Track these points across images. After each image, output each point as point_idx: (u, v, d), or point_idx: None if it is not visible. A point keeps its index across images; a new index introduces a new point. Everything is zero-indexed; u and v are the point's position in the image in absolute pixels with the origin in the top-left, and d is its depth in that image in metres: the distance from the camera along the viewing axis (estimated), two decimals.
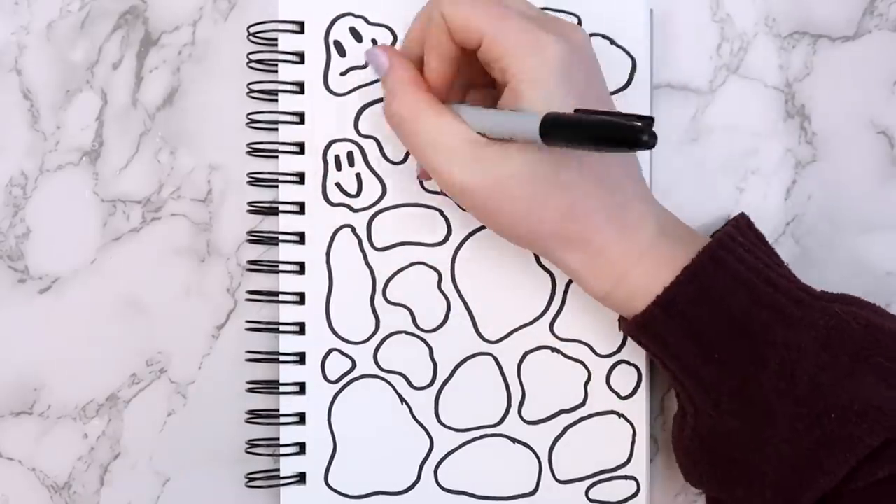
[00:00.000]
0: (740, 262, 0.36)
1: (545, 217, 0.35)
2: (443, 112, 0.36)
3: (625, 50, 0.43)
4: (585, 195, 0.35)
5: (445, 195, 0.43)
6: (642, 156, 0.42)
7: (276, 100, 0.43)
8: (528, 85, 0.34)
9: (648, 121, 0.29)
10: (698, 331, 0.36)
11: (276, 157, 0.43)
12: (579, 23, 0.42)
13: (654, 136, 0.28)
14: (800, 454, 0.34)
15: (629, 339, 0.40)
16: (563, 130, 0.31)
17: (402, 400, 0.43)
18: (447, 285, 0.43)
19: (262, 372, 0.43)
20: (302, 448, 0.43)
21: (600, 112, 0.31)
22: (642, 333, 0.37)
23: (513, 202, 0.35)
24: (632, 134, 0.28)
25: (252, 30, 0.43)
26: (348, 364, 0.43)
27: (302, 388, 0.43)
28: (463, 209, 0.42)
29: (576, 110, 0.32)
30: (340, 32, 0.43)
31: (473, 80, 0.39)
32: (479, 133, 0.35)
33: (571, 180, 0.35)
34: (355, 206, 0.43)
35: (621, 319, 0.40)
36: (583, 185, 0.35)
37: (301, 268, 0.43)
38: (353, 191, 0.43)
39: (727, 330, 0.35)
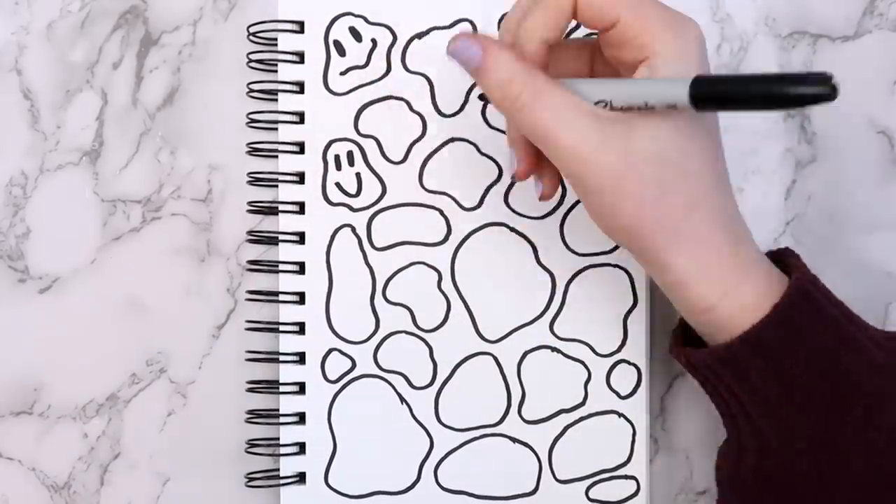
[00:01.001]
0: (828, 299, 0.35)
1: (672, 206, 0.33)
2: (559, 85, 0.33)
3: None
4: (709, 191, 0.34)
5: (448, 195, 0.43)
6: None
7: (276, 100, 0.43)
8: (673, 60, 0.32)
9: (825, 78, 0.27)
10: (783, 369, 0.34)
11: (276, 156, 0.43)
12: (579, 23, 0.42)
13: (835, 88, 0.27)
14: (872, 501, 0.34)
15: (692, 371, 0.38)
16: (721, 87, 0.30)
17: (402, 400, 0.43)
18: (447, 285, 0.43)
19: (262, 372, 0.43)
20: (302, 448, 0.43)
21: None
22: (723, 366, 0.35)
23: (642, 184, 0.33)
24: (808, 82, 0.27)
25: (252, 30, 0.43)
26: (348, 364, 0.43)
27: (302, 388, 0.43)
28: (578, 200, 0.39)
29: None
30: (340, 32, 0.43)
31: (565, 72, 0.37)
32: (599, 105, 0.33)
33: (699, 171, 0.33)
34: (355, 206, 0.43)
35: (681, 348, 0.37)
36: (708, 181, 0.34)
37: (301, 268, 0.43)
38: (353, 190, 0.43)
39: (813, 370, 0.34)
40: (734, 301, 0.34)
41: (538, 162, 0.37)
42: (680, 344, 0.38)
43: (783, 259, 0.37)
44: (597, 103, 0.33)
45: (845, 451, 0.34)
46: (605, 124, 0.33)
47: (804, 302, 0.34)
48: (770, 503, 0.36)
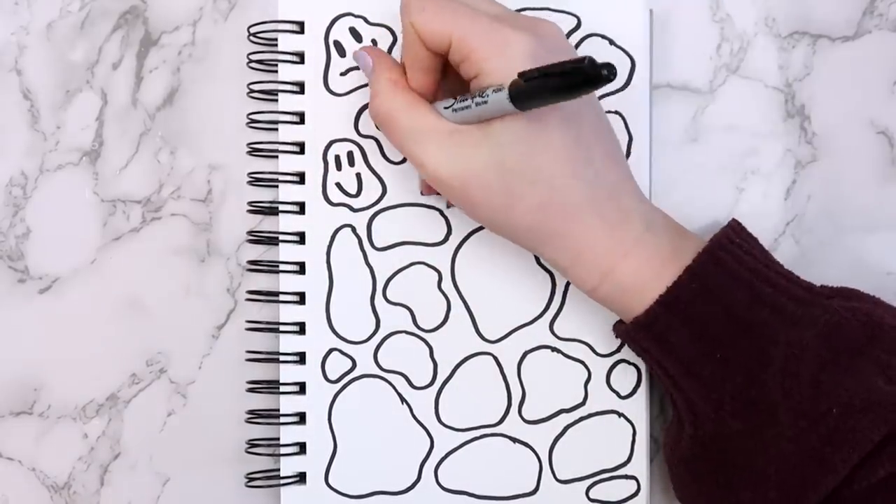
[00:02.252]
0: (739, 262, 0.36)
1: (521, 210, 0.36)
2: (421, 106, 0.37)
3: (624, 50, 0.43)
4: (563, 189, 0.36)
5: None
6: (641, 155, 0.43)
7: (276, 100, 0.43)
8: (497, 80, 0.34)
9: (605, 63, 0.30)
10: (701, 330, 0.36)
11: (276, 157, 0.43)
12: (579, 23, 0.42)
13: (612, 70, 0.29)
14: (804, 452, 0.34)
15: (626, 343, 0.40)
16: (528, 85, 0.32)
17: (403, 400, 0.43)
18: (447, 285, 0.43)
19: (262, 372, 0.43)
20: (302, 448, 0.43)
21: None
22: (644, 333, 0.37)
23: (488, 194, 0.36)
24: (588, 67, 0.30)
25: (252, 30, 0.43)
26: (348, 364, 0.43)
27: (302, 388, 0.43)
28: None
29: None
30: (340, 32, 0.43)
31: (458, 90, 0.39)
32: (457, 123, 0.36)
33: (546, 173, 0.35)
34: (355, 206, 0.43)
35: (618, 324, 0.40)
36: (560, 179, 0.35)
37: (301, 268, 0.43)
38: (354, 191, 0.43)
39: (730, 329, 0.36)
40: (612, 283, 0.37)
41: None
42: (619, 324, 0.40)
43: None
44: (447, 108, 0.36)
45: (772, 405, 0.35)
46: (455, 138, 0.36)
47: (713, 264, 0.36)
48: (710, 468, 0.37)
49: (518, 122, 0.35)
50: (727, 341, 0.36)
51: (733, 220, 0.39)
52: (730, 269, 0.36)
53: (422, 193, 0.42)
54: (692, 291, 0.36)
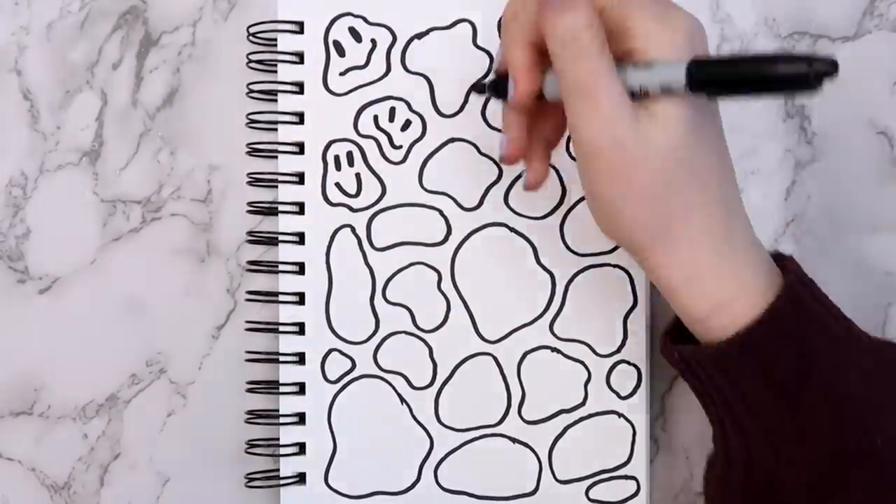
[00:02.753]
0: (818, 300, 0.35)
1: (674, 206, 0.33)
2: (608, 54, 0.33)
3: None
4: (712, 192, 0.33)
5: (447, 195, 0.43)
6: None
7: (276, 100, 0.43)
8: (657, 49, 0.32)
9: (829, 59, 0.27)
10: (773, 372, 0.34)
11: (276, 157, 0.43)
12: None
13: (835, 66, 0.27)
14: None
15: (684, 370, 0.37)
16: (716, 69, 0.29)
17: (402, 400, 0.43)
18: (447, 285, 0.43)
19: (262, 372, 0.43)
20: (302, 448, 0.43)
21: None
22: (715, 366, 0.35)
23: (651, 177, 0.32)
24: (809, 64, 0.27)
25: (252, 30, 0.43)
26: (348, 364, 0.43)
27: (302, 389, 0.43)
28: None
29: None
30: (340, 32, 0.43)
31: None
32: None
33: (707, 169, 0.33)
34: (355, 206, 0.43)
35: (674, 346, 0.36)
36: (714, 179, 0.33)
37: (301, 268, 0.43)
38: (353, 191, 0.43)
39: (802, 374, 0.34)
40: (725, 315, 0.34)
41: (529, 147, 0.36)
42: (671, 343, 0.37)
43: (777, 261, 0.37)
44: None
45: (835, 458, 0.34)
46: (636, 110, 0.32)
47: (795, 305, 0.34)
48: None
49: (692, 111, 0.32)
50: (798, 386, 0.34)
51: (789, 257, 0.37)
52: (810, 311, 0.34)
53: (505, 163, 0.37)
54: (770, 330, 0.34)
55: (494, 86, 0.36)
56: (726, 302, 0.34)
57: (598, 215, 0.35)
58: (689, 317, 0.35)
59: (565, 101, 0.33)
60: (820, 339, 0.34)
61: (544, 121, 0.37)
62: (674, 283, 0.34)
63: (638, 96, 0.32)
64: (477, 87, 0.39)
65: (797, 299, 0.34)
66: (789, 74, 0.28)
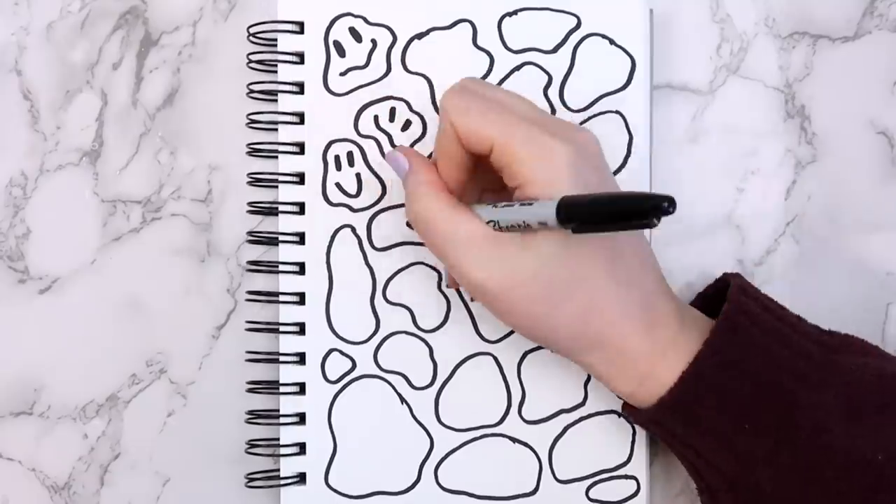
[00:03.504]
0: (755, 325, 0.36)
1: (562, 319, 0.35)
2: (461, 210, 0.36)
3: (624, 50, 0.42)
4: (603, 296, 0.35)
5: None
6: (641, 155, 0.42)
7: (276, 100, 0.43)
8: (540, 189, 0.34)
9: (665, 196, 0.29)
10: (727, 401, 0.36)
11: (276, 157, 0.43)
12: (579, 23, 0.42)
13: (673, 204, 0.28)
14: (855, 503, 0.35)
15: (646, 428, 0.40)
16: (580, 210, 0.31)
17: (403, 400, 0.43)
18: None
19: (262, 372, 0.43)
20: (302, 448, 0.43)
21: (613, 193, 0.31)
22: (671, 413, 0.37)
23: (529, 303, 0.35)
24: (650, 202, 0.28)
25: (252, 30, 0.43)
26: (348, 364, 0.43)
27: (302, 389, 0.43)
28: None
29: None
30: (340, 32, 0.43)
31: (487, 185, 0.39)
32: (496, 229, 0.35)
33: (587, 282, 0.35)
34: (355, 206, 0.43)
35: (631, 409, 0.39)
36: (600, 286, 0.35)
37: (301, 268, 0.43)
38: (353, 191, 0.43)
39: (755, 396, 0.36)
40: (651, 386, 0.36)
41: None
42: (624, 406, 0.40)
43: (721, 284, 0.40)
44: (488, 223, 0.35)
45: (807, 467, 0.35)
46: (497, 245, 0.35)
47: (731, 333, 0.36)
48: None
49: (561, 233, 0.34)
50: (754, 408, 0.35)
51: (734, 275, 0.39)
52: (748, 335, 0.36)
53: (447, 286, 0.42)
54: (714, 363, 0.36)
55: None
56: (649, 374, 0.36)
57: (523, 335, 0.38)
58: (620, 392, 0.38)
59: (443, 258, 0.37)
60: (763, 361, 0.36)
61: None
62: (596, 374, 0.38)
63: (522, 228, 0.34)
64: None
65: (733, 327, 0.36)
66: (632, 210, 0.29)
